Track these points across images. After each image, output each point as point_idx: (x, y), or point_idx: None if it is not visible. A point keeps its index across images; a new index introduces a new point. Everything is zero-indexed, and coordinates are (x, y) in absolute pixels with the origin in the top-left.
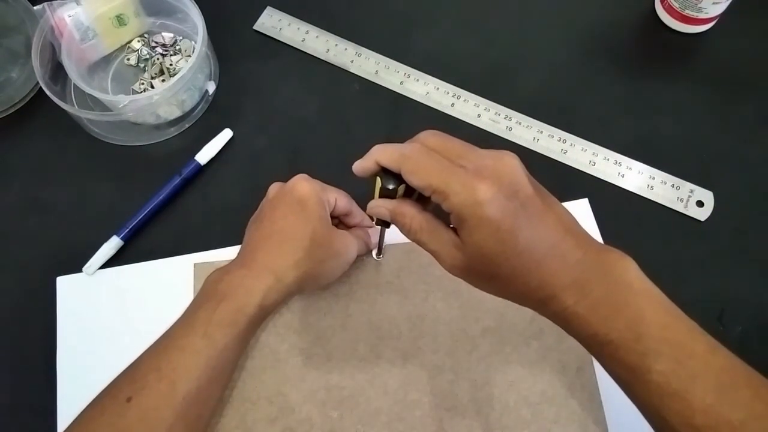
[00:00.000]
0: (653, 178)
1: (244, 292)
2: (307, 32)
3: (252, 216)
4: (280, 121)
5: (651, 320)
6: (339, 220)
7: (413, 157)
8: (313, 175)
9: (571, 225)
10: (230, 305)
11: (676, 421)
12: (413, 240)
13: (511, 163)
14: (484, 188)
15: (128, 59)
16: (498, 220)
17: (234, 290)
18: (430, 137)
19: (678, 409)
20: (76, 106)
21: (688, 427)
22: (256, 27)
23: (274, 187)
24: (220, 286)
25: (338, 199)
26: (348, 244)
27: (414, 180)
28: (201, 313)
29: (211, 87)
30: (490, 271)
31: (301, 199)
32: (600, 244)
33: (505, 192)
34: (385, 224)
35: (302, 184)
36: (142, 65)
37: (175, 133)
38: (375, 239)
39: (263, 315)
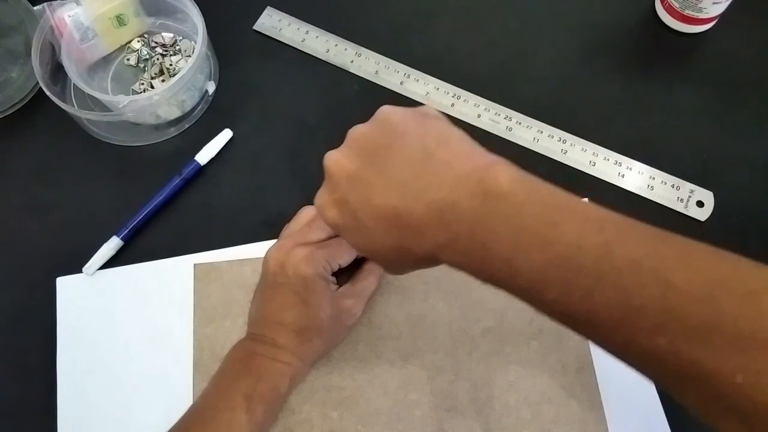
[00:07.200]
0: (653, 178)
1: (278, 374)
2: (307, 32)
3: (261, 276)
4: (280, 121)
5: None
6: None
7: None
8: (314, 176)
9: (421, 169)
10: (268, 384)
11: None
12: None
13: (333, 158)
14: (317, 195)
15: (128, 59)
16: (336, 225)
17: (269, 371)
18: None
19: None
20: (76, 106)
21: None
22: (256, 27)
23: (275, 257)
24: (254, 363)
25: (341, 258)
26: (355, 313)
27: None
28: (242, 386)
29: (211, 87)
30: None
31: (306, 286)
32: (468, 165)
33: (329, 198)
34: None
35: (302, 268)
36: (142, 65)
37: (175, 133)
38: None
39: (290, 392)
